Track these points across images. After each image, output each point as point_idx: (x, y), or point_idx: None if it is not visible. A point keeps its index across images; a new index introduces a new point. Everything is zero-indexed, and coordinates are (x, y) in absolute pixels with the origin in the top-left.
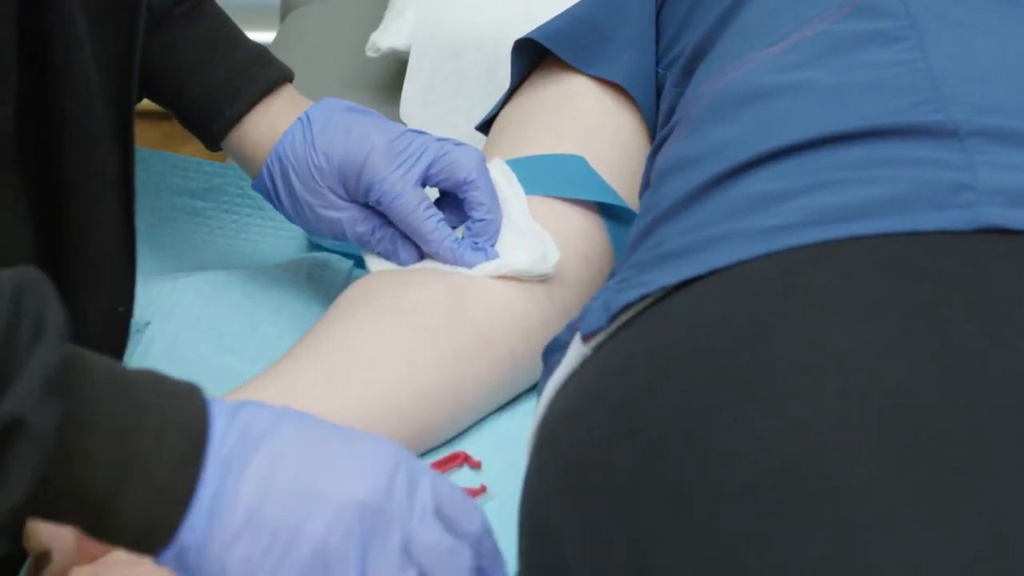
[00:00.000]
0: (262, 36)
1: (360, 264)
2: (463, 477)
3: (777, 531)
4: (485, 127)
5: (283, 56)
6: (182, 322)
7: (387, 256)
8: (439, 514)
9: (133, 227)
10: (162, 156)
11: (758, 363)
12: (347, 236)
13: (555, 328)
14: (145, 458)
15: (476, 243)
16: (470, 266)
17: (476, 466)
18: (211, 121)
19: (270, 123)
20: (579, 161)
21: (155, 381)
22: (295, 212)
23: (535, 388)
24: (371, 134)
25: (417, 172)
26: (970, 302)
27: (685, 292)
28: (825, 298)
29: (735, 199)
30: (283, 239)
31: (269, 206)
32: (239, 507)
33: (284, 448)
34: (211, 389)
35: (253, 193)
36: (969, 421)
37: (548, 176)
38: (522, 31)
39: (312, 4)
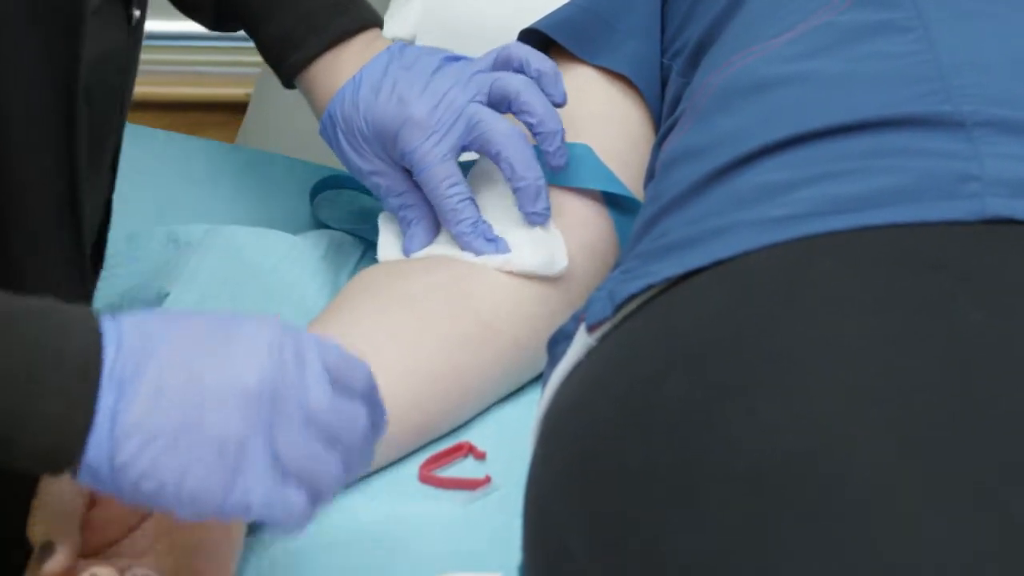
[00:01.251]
0: None
1: (370, 248)
2: (468, 467)
3: (785, 520)
4: None
5: None
6: (203, 293)
7: (403, 231)
8: (332, 378)
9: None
10: (170, 136)
11: (765, 354)
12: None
13: (560, 317)
14: (40, 391)
15: (489, 234)
16: (477, 254)
17: (481, 456)
18: (279, 66)
19: (333, 76)
20: (585, 150)
21: (45, 313)
22: (347, 167)
23: (540, 378)
24: (412, 100)
25: (448, 144)
26: (976, 293)
27: (691, 283)
28: (832, 289)
29: (741, 189)
30: (290, 222)
31: (273, 188)
32: (136, 422)
33: (171, 354)
34: None
35: (259, 177)
36: (976, 412)
37: None
38: (528, 21)
39: None
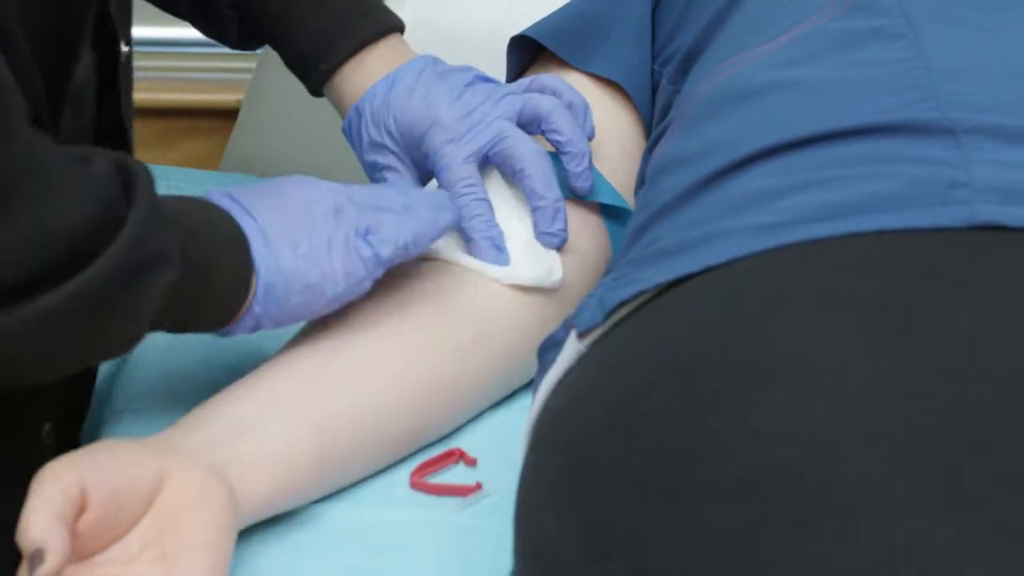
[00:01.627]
0: None
1: None
2: (459, 474)
3: (772, 527)
4: None
5: (270, 60)
6: None
7: None
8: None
9: None
10: (153, 168)
11: (754, 360)
12: None
13: (552, 324)
14: (220, 253)
15: (499, 242)
16: (479, 258)
17: (472, 463)
18: (309, 73)
19: (362, 77)
20: None
21: (184, 203)
22: (362, 161)
23: (531, 384)
24: (443, 107)
25: (471, 149)
26: (966, 298)
27: (681, 289)
28: (821, 295)
29: (731, 196)
30: None
31: None
32: (278, 241)
33: (269, 207)
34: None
35: None
36: (966, 416)
37: None
38: (520, 27)
39: None
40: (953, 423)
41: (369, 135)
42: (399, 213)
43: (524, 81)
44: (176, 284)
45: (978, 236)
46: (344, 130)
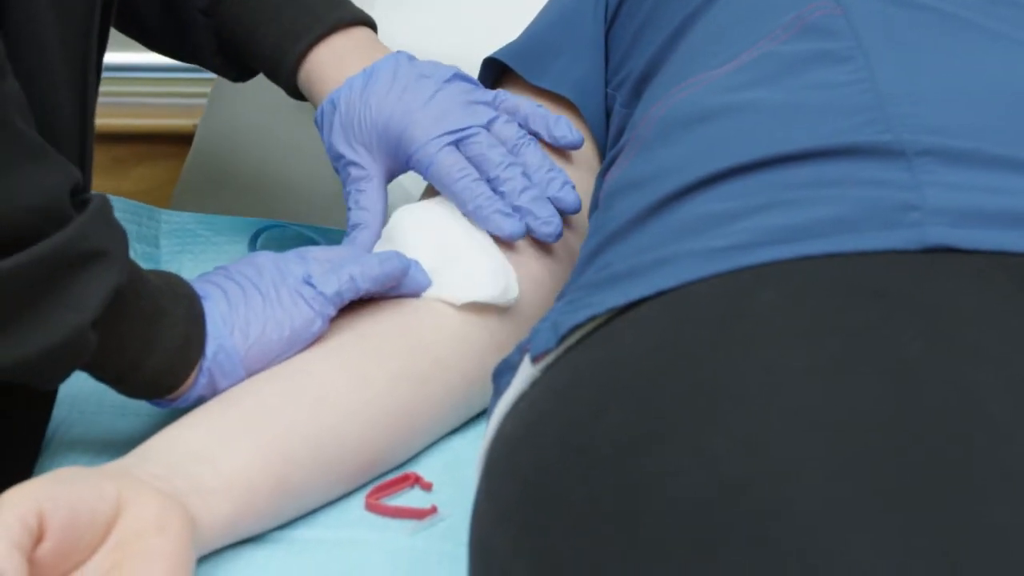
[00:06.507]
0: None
1: None
2: (414, 498)
3: (724, 553)
4: None
5: (225, 85)
6: None
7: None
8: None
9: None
10: (118, 202)
11: (706, 383)
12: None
13: (507, 349)
14: (172, 300)
15: (505, 208)
16: (495, 231)
17: (427, 487)
18: (281, 63)
19: (335, 64)
20: None
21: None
22: (329, 152)
23: (486, 411)
24: (416, 107)
25: (450, 140)
26: (917, 321)
27: (633, 313)
28: (773, 318)
29: (683, 220)
30: None
31: (221, 239)
32: (217, 300)
33: (213, 281)
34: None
35: (204, 232)
36: (916, 442)
37: None
38: (470, 55)
39: None
40: (903, 449)
41: (341, 124)
42: (347, 259)
43: (489, 93)
44: (123, 289)
45: (929, 259)
46: (316, 120)
